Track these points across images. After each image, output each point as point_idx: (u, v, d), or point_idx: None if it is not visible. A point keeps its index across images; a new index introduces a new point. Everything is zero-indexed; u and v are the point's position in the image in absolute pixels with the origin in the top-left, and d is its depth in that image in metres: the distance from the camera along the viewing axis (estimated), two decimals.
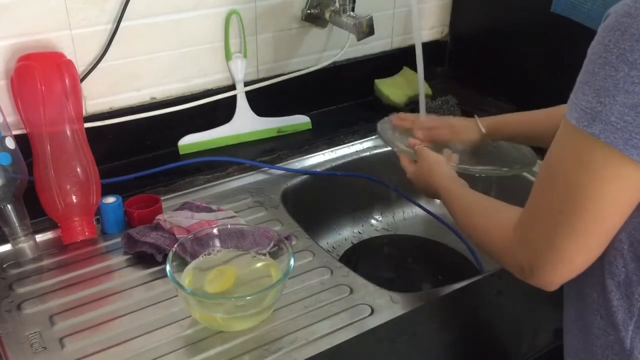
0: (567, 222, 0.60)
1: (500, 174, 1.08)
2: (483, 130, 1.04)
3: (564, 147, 0.60)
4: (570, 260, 0.62)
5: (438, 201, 1.33)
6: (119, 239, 0.95)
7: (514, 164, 1.06)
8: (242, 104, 1.24)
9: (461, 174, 0.92)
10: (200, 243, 0.87)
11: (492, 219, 0.73)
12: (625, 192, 0.57)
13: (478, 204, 0.79)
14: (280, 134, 1.28)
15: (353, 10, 1.21)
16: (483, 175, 1.09)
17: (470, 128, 1.06)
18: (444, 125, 1.08)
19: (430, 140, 1.05)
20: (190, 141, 1.21)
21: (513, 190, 1.12)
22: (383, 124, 1.14)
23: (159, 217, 0.95)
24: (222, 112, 1.23)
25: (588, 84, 0.56)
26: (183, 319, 0.83)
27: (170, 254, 0.82)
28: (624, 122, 0.53)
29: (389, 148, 1.27)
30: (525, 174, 1.16)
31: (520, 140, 1.07)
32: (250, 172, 1.15)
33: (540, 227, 0.63)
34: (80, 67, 1.07)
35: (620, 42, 0.53)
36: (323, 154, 1.23)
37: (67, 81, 0.97)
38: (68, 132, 0.97)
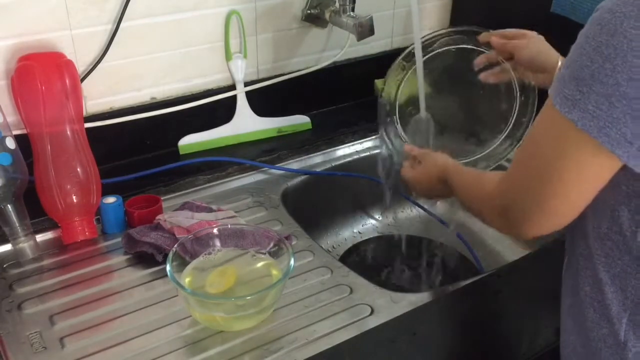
0: (542, 186, 0.64)
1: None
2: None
3: (546, 122, 0.63)
4: (550, 211, 0.65)
5: (437, 204, 1.34)
6: (119, 239, 0.96)
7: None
8: (242, 104, 1.24)
9: None
10: (200, 243, 0.87)
11: (482, 180, 0.79)
12: (591, 172, 0.61)
13: (473, 174, 0.86)
14: (280, 134, 1.28)
15: (353, 10, 1.21)
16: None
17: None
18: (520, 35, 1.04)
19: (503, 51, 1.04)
20: (190, 141, 1.21)
21: None
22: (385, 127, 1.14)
23: (159, 217, 0.95)
24: (222, 112, 1.23)
25: (571, 72, 0.59)
26: (183, 319, 0.83)
27: (171, 254, 0.82)
28: (599, 110, 0.56)
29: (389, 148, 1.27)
30: None
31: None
32: (250, 172, 1.15)
33: (521, 183, 0.67)
34: (81, 67, 1.07)
35: (598, 35, 0.56)
36: (323, 154, 1.23)
37: (67, 81, 0.97)
38: (68, 132, 0.97)
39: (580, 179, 0.61)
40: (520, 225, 0.68)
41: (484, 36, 1.05)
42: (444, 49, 1.09)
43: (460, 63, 1.09)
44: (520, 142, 1.10)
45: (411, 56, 1.09)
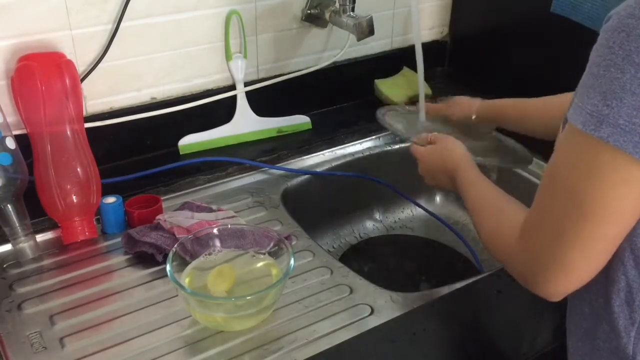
0: (572, 228, 0.59)
1: (497, 165, 1.10)
2: (473, 116, 1.09)
3: (569, 151, 0.59)
4: (574, 269, 0.61)
5: (438, 201, 1.34)
6: (119, 239, 0.96)
7: (513, 159, 1.09)
8: (242, 104, 1.24)
9: None
10: (200, 243, 0.87)
11: (502, 220, 0.71)
12: (632, 196, 0.56)
13: (490, 198, 0.77)
14: (280, 134, 1.28)
15: (353, 10, 1.21)
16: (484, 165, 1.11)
17: (467, 106, 1.10)
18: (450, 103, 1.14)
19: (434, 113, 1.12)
20: (190, 141, 1.21)
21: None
22: (384, 114, 1.14)
23: (159, 217, 0.95)
24: (222, 112, 1.23)
25: (593, 87, 0.55)
26: (183, 319, 0.83)
27: (171, 254, 0.82)
28: (632, 124, 0.52)
29: (388, 148, 1.27)
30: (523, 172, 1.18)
31: (510, 126, 1.07)
32: (250, 172, 1.15)
33: (544, 234, 0.62)
34: (81, 67, 1.07)
35: (626, 43, 0.52)
36: (323, 154, 1.23)
37: (67, 81, 0.97)
38: (68, 132, 0.97)
39: (614, 207, 0.56)
40: (546, 283, 0.62)
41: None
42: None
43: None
44: None
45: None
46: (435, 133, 0.99)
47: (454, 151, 0.90)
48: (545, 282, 0.63)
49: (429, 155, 0.94)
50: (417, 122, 1.16)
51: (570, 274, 0.61)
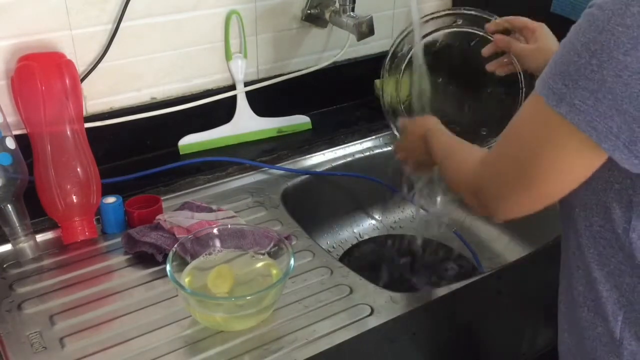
0: (522, 170, 0.64)
1: None
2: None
3: (533, 116, 0.63)
4: (517, 203, 0.67)
5: (438, 201, 1.34)
6: (119, 239, 0.96)
7: None
8: (242, 104, 1.24)
9: None
10: (200, 243, 0.87)
11: (464, 157, 0.79)
12: (576, 161, 0.61)
13: (454, 144, 0.85)
14: (280, 134, 1.28)
15: (353, 10, 1.21)
16: None
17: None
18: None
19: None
20: (190, 141, 1.21)
21: None
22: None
23: (159, 217, 0.95)
24: (222, 112, 1.23)
25: (557, 65, 0.59)
26: (183, 319, 0.83)
27: (171, 254, 0.82)
28: (585, 105, 0.57)
29: (389, 148, 1.27)
30: None
31: None
32: (250, 172, 1.15)
33: (500, 165, 0.68)
34: (81, 67, 1.07)
35: (587, 32, 0.57)
36: (323, 154, 1.23)
37: (67, 81, 0.97)
38: (68, 132, 0.97)
39: (561, 168, 0.62)
40: (493, 207, 0.70)
41: (489, 26, 1.05)
42: (448, 30, 1.08)
43: (464, 50, 1.08)
44: None
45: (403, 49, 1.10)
46: (409, 120, 1.02)
47: (426, 120, 0.96)
48: (496, 204, 0.69)
49: (405, 144, 1.00)
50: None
51: (521, 199, 0.67)
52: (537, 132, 0.62)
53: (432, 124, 0.94)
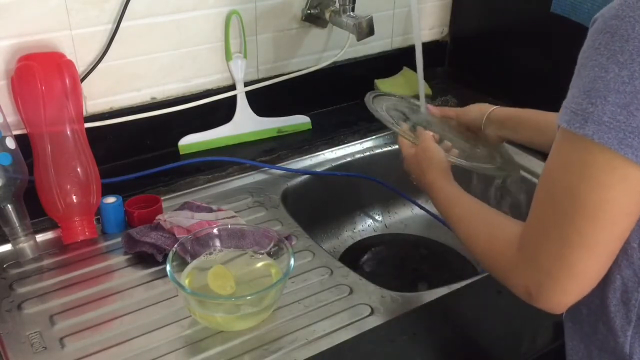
0: (576, 232, 0.58)
1: (491, 173, 1.06)
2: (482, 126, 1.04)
3: (560, 153, 0.59)
4: (582, 274, 0.60)
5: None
6: (119, 239, 0.96)
7: (510, 167, 1.05)
8: (242, 104, 1.24)
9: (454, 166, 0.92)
10: (200, 243, 0.87)
11: (495, 234, 0.69)
12: (629, 194, 0.55)
13: (480, 214, 0.75)
14: (280, 134, 1.28)
15: (353, 10, 1.21)
16: (476, 171, 1.09)
17: (475, 112, 1.05)
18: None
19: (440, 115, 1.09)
20: (190, 141, 1.21)
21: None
22: (372, 100, 1.11)
23: (159, 217, 0.96)
24: (222, 112, 1.23)
25: (578, 87, 0.56)
26: (183, 319, 0.83)
27: (171, 254, 0.82)
28: (616, 121, 0.53)
29: (389, 148, 1.27)
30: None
31: (522, 136, 1.02)
32: (250, 172, 1.15)
33: (548, 242, 0.60)
34: (81, 67, 1.07)
35: (610, 43, 0.54)
36: (323, 154, 1.23)
37: (67, 81, 0.97)
38: (68, 132, 0.97)
39: (614, 202, 0.55)
40: (563, 289, 0.60)
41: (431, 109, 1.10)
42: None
43: None
44: None
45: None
46: (420, 127, 0.99)
47: (434, 165, 0.88)
48: (554, 292, 0.61)
49: (413, 159, 0.93)
50: (413, 114, 1.13)
51: (580, 279, 0.60)
52: (571, 172, 0.56)
53: (440, 173, 0.85)
